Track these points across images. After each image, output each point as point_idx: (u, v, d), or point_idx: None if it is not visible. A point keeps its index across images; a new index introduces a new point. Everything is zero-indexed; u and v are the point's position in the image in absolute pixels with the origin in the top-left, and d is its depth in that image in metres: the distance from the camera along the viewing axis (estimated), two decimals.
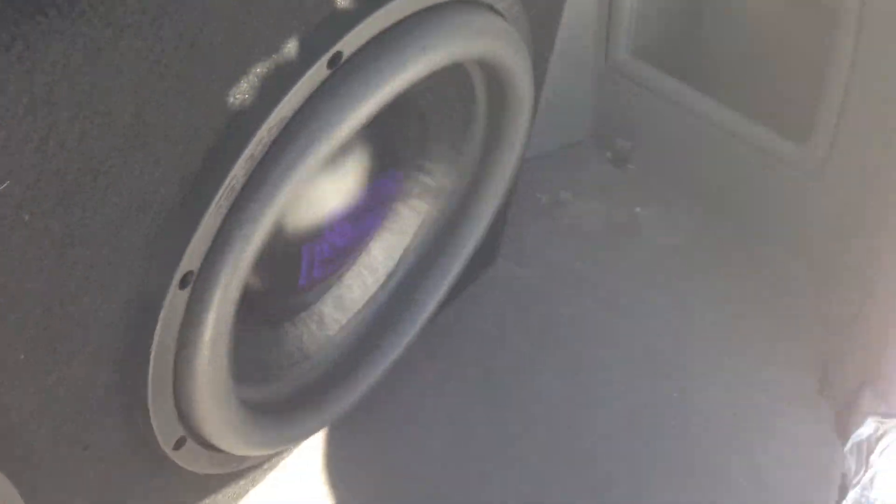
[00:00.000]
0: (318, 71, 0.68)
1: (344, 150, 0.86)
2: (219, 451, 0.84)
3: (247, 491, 1.00)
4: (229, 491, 0.96)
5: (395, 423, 1.12)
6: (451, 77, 0.88)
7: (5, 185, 0.51)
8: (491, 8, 0.84)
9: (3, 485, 0.64)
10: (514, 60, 0.89)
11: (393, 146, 0.93)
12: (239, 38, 0.61)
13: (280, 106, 0.67)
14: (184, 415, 0.77)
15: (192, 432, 0.79)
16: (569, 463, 1.10)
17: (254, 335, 0.92)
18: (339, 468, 1.07)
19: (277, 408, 0.91)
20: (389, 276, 1.06)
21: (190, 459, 0.83)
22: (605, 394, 1.17)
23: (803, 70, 1.26)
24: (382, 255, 1.06)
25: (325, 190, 0.89)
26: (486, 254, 1.22)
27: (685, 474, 1.10)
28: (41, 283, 0.58)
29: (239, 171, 0.66)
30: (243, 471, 0.95)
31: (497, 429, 1.13)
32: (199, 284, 0.69)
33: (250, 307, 0.89)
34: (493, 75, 0.90)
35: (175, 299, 0.68)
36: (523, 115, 0.97)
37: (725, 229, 1.40)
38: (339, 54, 0.70)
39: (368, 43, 0.72)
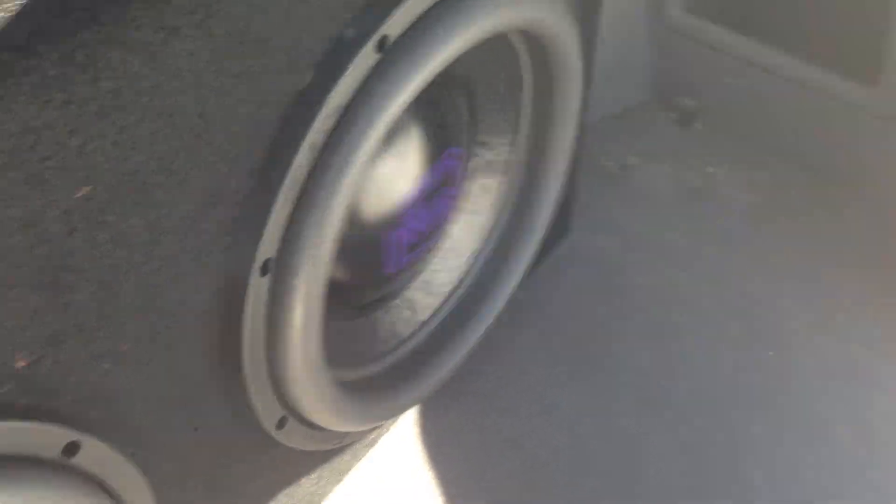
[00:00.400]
0: (366, 55, 0.72)
1: (403, 132, 0.90)
2: (319, 428, 0.88)
3: (351, 466, 1.05)
4: (333, 466, 1.01)
5: (486, 394, 1.14)
6: (495, 49, 0.90)
7: (88, 189, 0.56)
8: None
9: (133, 475, 0.70)
10: (560, 27, 0.91)
11: (447, 124, 0.96)
12: (286, 29, 0.65)
13: (333, 93, 0.70)
14: (282, 396, 0.81)
15: (291, 412, 0.84)
16: (662, 426, 1.10)
17: (349, 325, 0.96)
18: (434, 440, 1.10)
19: (372, 385, 0.95)
20: (473, 255, 1.09)
21: (293, 437, 0.87)
22: (694, 358, 1.17)
23: (867, 8, 1.24)
24: (463, 235, 1.09)
25: (392, 174, 0.92)
26: (559, 226, 1.23)
27: (786, 433, 1.09)
28: (132, 281, 0.63)
29: (302, 160, 0.70)
30: (345, 447, 0.99)
31: (586, 395, 1.14)
32: (280, 271, 0.73)
33: (342, 298, 0.93)
34: (538, 43, 0.92)
35: (258, 286, 0.73)
36: (574, 82, 0.99)
37: (801, 181, 1.38)
38: (385, 37, 0.73)
39: (413, 23, 0.75)
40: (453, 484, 1.06)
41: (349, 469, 1.05)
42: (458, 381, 1.08)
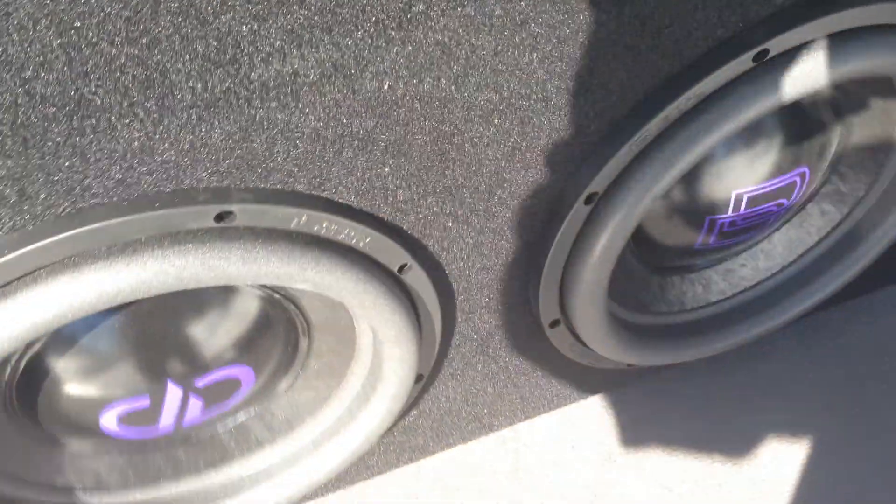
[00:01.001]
0: (742, 62, 0.83)
1: (758, 136, 0.99)
2: (581, 342, 1.05)
3: (593, 392, 1.21)
4: (579, 383, 1.18)
5: (754, 396, 1.22)
6: (875, 84, 0.95)
7: (496, 97, 0.75)
8: None
9: (434, 305, 0.92)
10: None
11: (808, 143, 1.03)
12: (683, 24, 0.78)
13: (702, 83, 0.83)
14: (563, 303, 0.99)
15: (565, 318, 1.01)
16: None
17: (644, 275, 1.10)
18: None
19: (637, 330, 1.09)
20: (783, 268, 1.17)
21: (559, 340, 1.05)
22: None
23: None
24: (782, 246, 1.17)
25: (734, 169, 1.02)
26: (888, 271, 1.25)
27: None
28: (491, 170, 0.83)
29: (653, 126, 0.84)
30: (594, 371, 1.15)
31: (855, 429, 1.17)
32: (601, 204, 0.89)
33: (649, 253, 1.07)
34: None
35: (579, 211, 0.89)
36: None
37: None
38: (765, 51, 0.83)
39: (798, 46, 0.84)
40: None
41: (591, 395, 1.21)
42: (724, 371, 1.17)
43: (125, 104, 0.62)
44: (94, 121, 0.62)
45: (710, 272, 1.15)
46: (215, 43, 0.62)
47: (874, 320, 1.29)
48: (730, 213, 1.01)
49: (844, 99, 0.99)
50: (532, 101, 0.78)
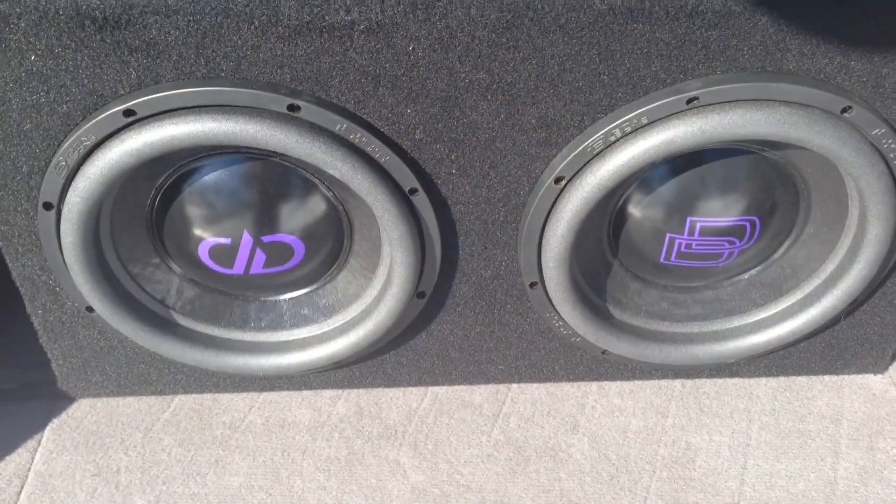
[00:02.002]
0: (677, 103, 1.13)
1: (720, 178, 1.27)
2: (555, 309, 1.35)
3: (580, 378, 1.48)
4: (565, 362, 1.46)
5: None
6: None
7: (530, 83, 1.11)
8: None
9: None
10: None
11: (764, 199, 1.29)
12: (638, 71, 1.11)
13: (643, 111, 1.14)
14: (540, 266, 1.30)
15: (542, 281, 1.32)
16: None
17: (622, 275, 1.38)
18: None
19: (609, 318, 1.37)
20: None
21: (538, 303, 1.35)
22: None
23: None
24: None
25: (693, 198, 1.28)
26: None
27: None
28: (494, 135, 1.18)
29: (607, 136, 1.16)
30: (575, 351, 1.43)
31: None
32: (567, 187, 1.20)
33: (628, 257, 1.36)
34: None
35: (551, 190, 1.21)
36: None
37: None
38: (696, 98, 1.13)
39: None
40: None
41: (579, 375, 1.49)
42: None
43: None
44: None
45: (679, 295, 1.41)
46: None
47: None
48: (685, 235, 1.28)
49: (802, 175, 1.25)
50: (518, 90, 1.13)
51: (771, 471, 1.38)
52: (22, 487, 1.36)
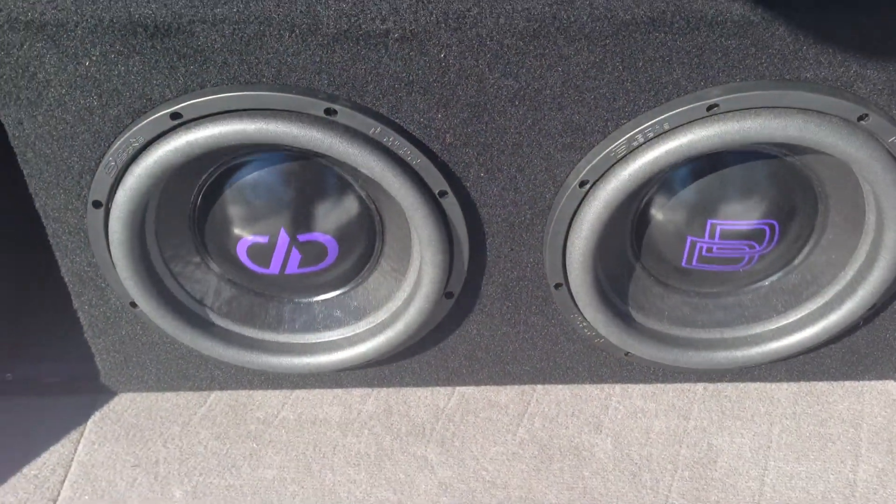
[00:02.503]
0: (698, 110, 1.18)
1: (739, 182, 1.31)
2: (579, 310, 1.39)
3: (603, 380, 1.52)
4: (590, 364, 1.50)
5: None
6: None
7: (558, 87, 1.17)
8: None
9: (462, 233, 1.33)
10: None
11: (783, 203, 1.33)
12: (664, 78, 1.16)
13: (665, 118, 1.19)
14: (565, 268, 1.34)
15: (566, 284, 1.36)
16: None
17: (645, 279, 1.42)
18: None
19: (633, 322, 1.41)
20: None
21: (563, 304, 1.40)
22: None
23: None
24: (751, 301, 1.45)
25: (713, 201, 1.32)
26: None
27: None
28: (518, 138, 1.23)
29: (630, 142, 1.21)
30: (595, 343, 1.47)
31: None
32: (590, 189, 1.25)
33: (651, 262, 1.40)
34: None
35: (575, 193, 1.26)
36: None
37: None
38: (716, 104, 1.17)
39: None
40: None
41: (601, 374, 1.53)
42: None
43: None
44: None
45: (701, 300, 1.45)
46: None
47: None
48: (706, 238, 1.32)
49: (820, 181, 1.29)
50: (544, 96, 1.18)
51: (791, 472, 1.41)
52: (66, 476, 1.43)
